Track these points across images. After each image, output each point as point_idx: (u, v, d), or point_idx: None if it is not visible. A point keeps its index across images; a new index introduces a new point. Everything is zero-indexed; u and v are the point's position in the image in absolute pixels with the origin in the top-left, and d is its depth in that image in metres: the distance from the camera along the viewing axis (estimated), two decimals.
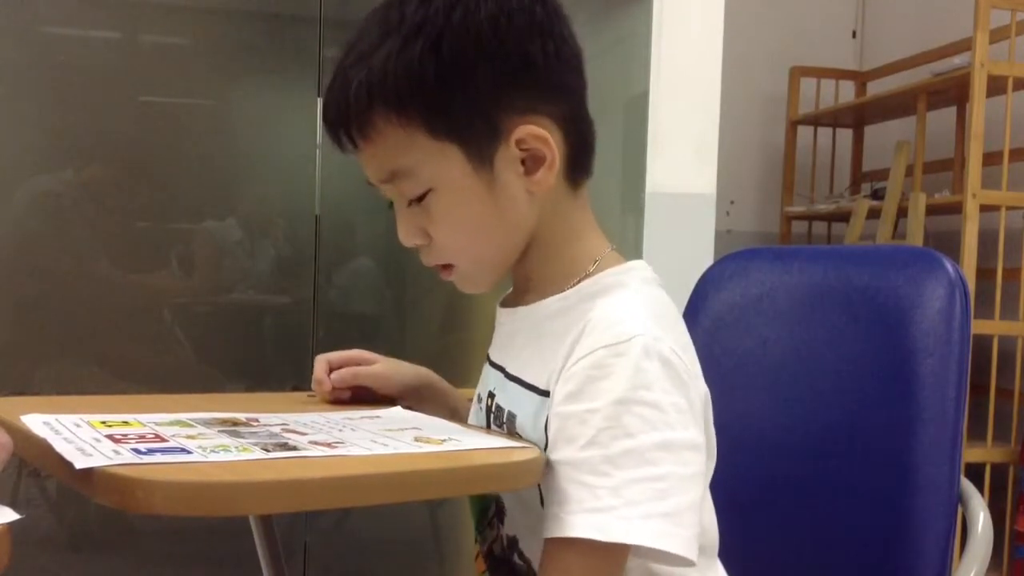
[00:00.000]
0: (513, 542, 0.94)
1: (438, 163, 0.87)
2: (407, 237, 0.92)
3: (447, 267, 0.93)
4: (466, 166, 0.87)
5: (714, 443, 0.91)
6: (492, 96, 0.86)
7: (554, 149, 0.87)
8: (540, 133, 0.87)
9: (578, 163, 0.92)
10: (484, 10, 0.85)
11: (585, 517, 0.78)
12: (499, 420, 0.93)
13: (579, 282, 0.90)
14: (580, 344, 0.84)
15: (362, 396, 1.10)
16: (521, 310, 0.94)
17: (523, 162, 0.88)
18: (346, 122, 0.88)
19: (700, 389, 0.87)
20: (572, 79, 0.91)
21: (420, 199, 0.89)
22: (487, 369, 0.99)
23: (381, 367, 1.10)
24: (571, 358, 0.84)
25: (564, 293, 0.90)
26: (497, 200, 0.88)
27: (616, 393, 0.80)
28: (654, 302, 0.89)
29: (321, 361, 1.10)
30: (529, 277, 0.94)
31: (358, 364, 1.10)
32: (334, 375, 1.09)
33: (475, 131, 0.86)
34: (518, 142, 0.87)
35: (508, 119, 0.86)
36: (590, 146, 0.93)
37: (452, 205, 0.88)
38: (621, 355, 0.81)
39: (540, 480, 0.82)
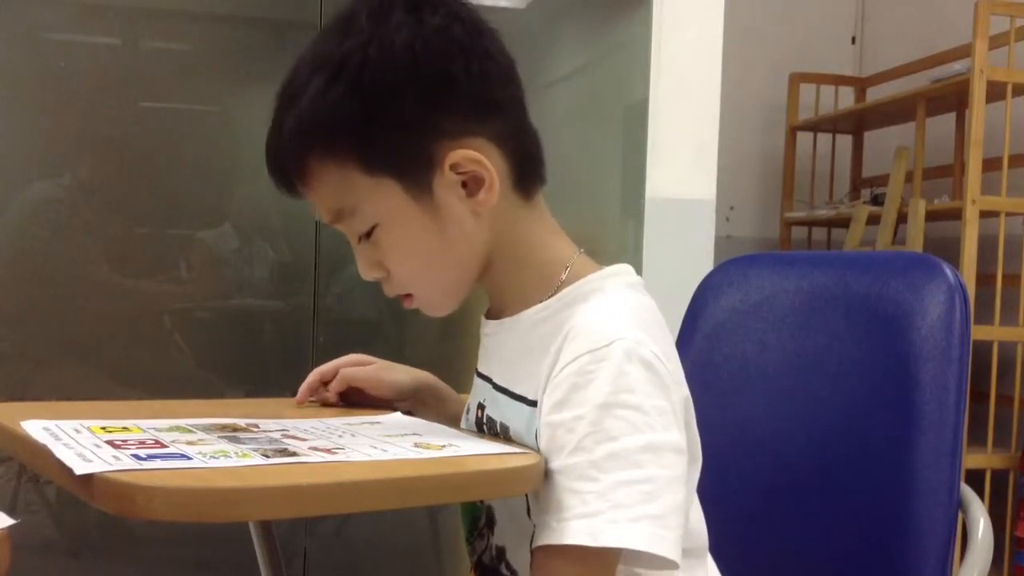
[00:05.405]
0: (501, 552, 0.93)
1: (378, 198, 0.87)
2: (365, 271, 0.93)
3: (407, 296, 0.93)
4: (405, 197, 0.86)
5: (698, 446, 0.91)
6: (419, 125, 0.85)
7: (491, 169, 0.86)
8: (473, 156, 0.86)
9: (524, 175, 0.91)
10: (399, 40, 0.84)
11: (575, 523, 0.78)
12: (492, 431, 0.93)
13: (558, 290, 0.90)
14: (563, 352, 0.84)
15: (356, 400, 1.10)
16: (507, 321, 0.93)
17: (464, 184, 0.87)
18: (285, 169, 0.88)
19: (682, 392, 0.87)
20: (503, 94, 0.89)
21: (369, 234, 0.89)
22: (476, 380, 0.99)
23: (373, 369, 1.09)
24: (556, 367, 0.84)
25: (545, 303, 0.90)
26: (442, 226, 0.88)
27: (599, 398, 0.80)
28: (636, 306, 0.88)
29: (315, 373, 1.11)
30: (502, 289, 0.94)
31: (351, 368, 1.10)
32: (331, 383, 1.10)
33: (408, 162, 0.86)
34: (453, 167, 0.86)
35: (439, 145, 0.86)
36: (535, 157, 0.92)
37: (399, 237, 0.88)
38: (603, 360, 0.81)
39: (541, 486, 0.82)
